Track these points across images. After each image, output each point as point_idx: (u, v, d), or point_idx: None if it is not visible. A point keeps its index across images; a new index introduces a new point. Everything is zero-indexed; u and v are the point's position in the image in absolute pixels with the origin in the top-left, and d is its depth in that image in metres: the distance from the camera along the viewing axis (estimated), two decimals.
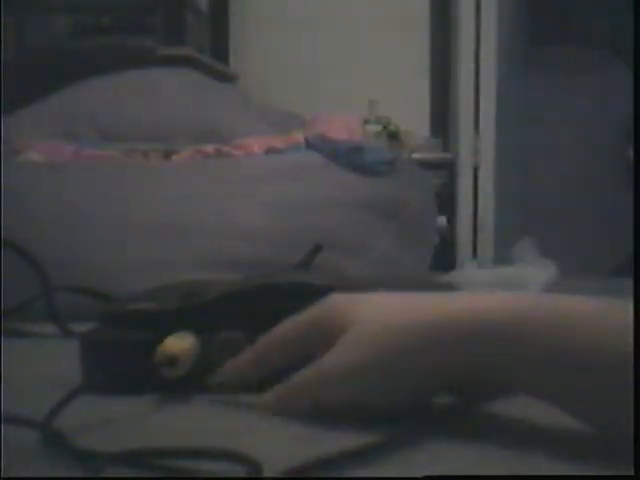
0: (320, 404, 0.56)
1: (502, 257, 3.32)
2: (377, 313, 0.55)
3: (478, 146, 3.48)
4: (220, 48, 3.53)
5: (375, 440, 0.50)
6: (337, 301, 0.57)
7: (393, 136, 3.33)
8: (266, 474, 0.44)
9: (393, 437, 0.51)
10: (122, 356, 0.64)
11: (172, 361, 0.60)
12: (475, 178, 3.50)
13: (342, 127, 1.66)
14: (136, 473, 0.45)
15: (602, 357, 0.47)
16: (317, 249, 0.79)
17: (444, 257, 3.06)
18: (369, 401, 0.55)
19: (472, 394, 0.58)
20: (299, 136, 1.55)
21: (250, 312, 0.64)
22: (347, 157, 1.42)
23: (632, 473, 0.43)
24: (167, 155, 1.52)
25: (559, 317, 0.49)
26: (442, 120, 3.66)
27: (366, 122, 3.03)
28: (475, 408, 0.58)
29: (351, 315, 0.55)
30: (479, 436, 0.52)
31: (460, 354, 0.51)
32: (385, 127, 3.34)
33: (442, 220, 3.22)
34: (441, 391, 0.55)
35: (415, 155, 3.13)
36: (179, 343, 0.62)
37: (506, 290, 0.56)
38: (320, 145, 1.47)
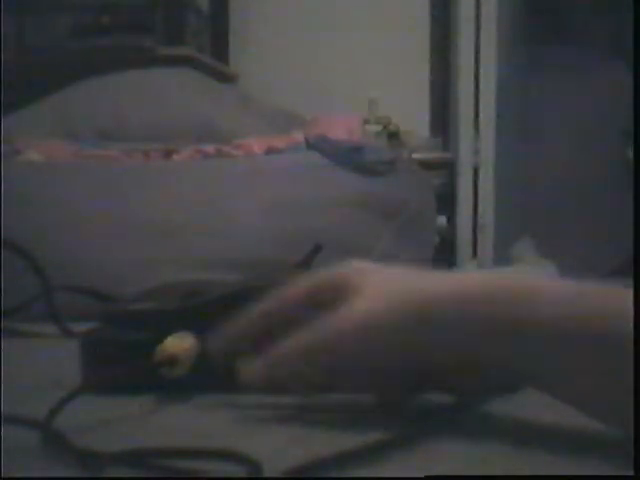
0: (304, 375, 0.55)
1: (502, 257, 3.32)
2: (377, 286, 0.54)
3: (478, 146, 3.47)
4: (220, 48, 3.53)
5: (374, 440, 0.50)
6: (353, 268, 0.57)
7: (393, 136, 3.32)
8: (266, 474, 0.44)
9: (393, 437, 0.51)
10: (122, 356, 0.64)
11: (172, 361, 0.60)
12: (475, 178, 3.49)
13: (342, 127, 1.66)
14: (136, 473, 0.45)
15: (576, 338, 0.47)
16: (317, 249, 0.79)
17: (444, 257, 3.06)
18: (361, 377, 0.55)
19: (472, 393, 0.58)
20: (299, 136, 1.55)
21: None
22: (347, 157, 1.42)
23: (632, 473, 0.43)
24: (167, 155, 1.52)
25: (529, 295, 0.49)
26: (442, 120, 3.66)
27: (366, 122, 3.02)
28: (475, 407, 0.58)
29: (356, 283, 0.54)
30: (479, 436, 0.52)
31: (443, 335, 0.51)
32: (385, 127, 3.33)
33: (442, 220, 3.22)
34: (437, 375, 0.55)
35: (415, 155, 3.13)
36: (179, 343, 0.62)
37: None
38: (320, 145, 1.47)
